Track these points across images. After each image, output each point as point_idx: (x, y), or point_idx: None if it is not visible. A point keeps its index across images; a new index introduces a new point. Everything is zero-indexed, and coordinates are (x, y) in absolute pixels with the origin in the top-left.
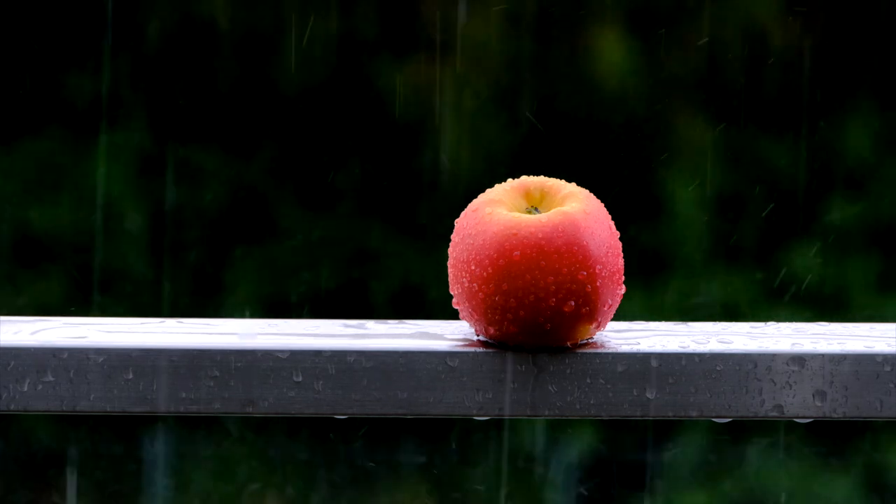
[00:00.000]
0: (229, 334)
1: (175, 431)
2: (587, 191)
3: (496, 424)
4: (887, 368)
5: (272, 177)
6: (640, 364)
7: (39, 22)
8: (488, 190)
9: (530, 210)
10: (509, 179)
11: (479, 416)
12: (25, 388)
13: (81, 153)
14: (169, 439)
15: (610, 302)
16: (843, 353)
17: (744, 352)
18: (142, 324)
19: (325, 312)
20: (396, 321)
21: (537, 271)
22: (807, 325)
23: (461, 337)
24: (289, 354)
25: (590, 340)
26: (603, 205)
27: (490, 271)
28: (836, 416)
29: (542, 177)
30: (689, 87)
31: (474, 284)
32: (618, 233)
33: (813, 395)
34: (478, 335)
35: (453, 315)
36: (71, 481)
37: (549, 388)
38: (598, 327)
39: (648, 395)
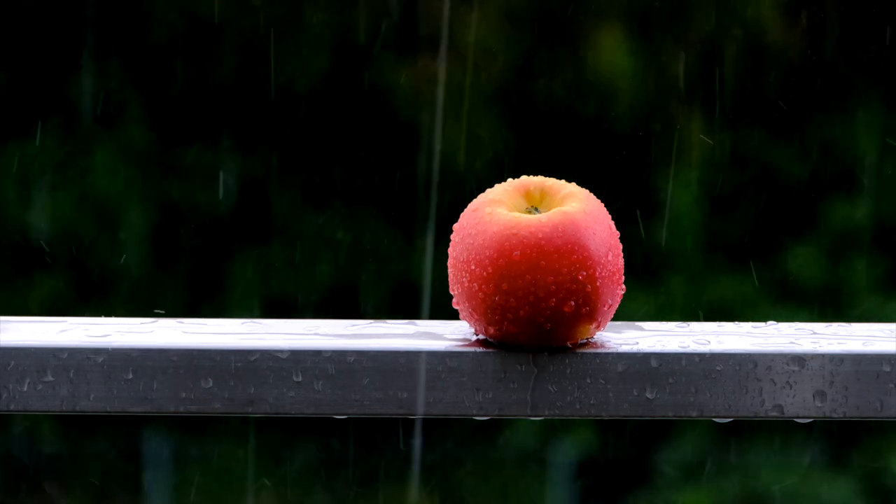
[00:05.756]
0: (229, 334)
1: (175, 431)
2: (587, 191)
3: (496, 424)
4: (887, 368)
5: (272, 176)
6: (640, 364)
7: (40, 22)
8: (488, 190)
9: (530, 210)
10: (509, 179)
11: (479, 416)
12: (25, 388)
13: (81, 153)
14: (169, 439)
15: (610, 302)
16: (843, 353)
17: (744, 352)
18: (142, 324)
19: (325, 312)
20: (396, 321)
21: (537, 271)
22: (807, 325)
23: (461, 337)
24: (289, 354)
25: (590, 340)
26: (603, 205)
27: (490, 271)
28: (836, 416)
29: (541, 177)
30: (690, 87)
31: (474, 284)
32: (618, 233)
33: (813, 395)
34: (478, 335)
35: (453, 315)
36: (70, 481)
37: (549, 388)
38: (598, 327)
39: (648, 395)
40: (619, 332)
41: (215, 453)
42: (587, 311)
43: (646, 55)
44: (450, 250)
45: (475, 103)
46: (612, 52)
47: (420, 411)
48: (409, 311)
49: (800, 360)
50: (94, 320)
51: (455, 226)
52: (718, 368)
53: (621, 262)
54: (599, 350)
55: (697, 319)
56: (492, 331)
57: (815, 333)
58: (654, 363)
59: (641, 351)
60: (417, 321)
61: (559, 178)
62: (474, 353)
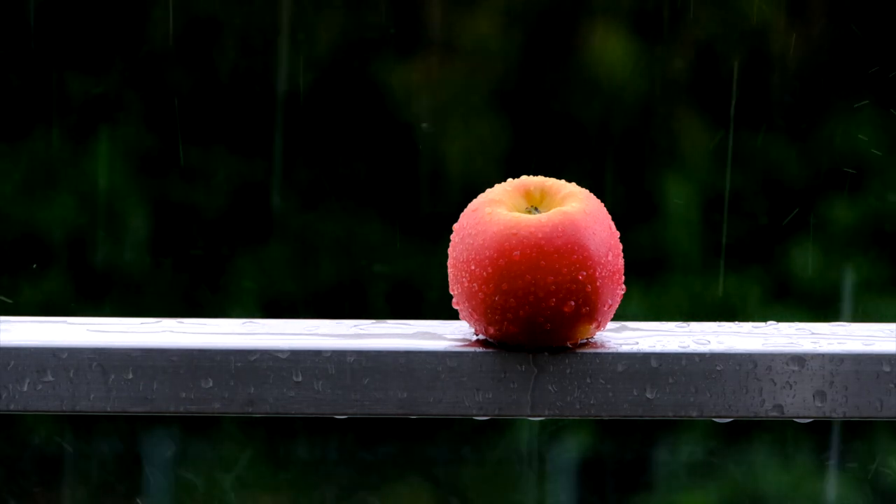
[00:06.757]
0: (229, 334)
1: (175, 431)
2: (587, 191)
3: (496, 424)
4: (887, 368)
5: (272, 176)
6: (640, 364)
7: (40, 22)
8: (488, 190)
9: (530, 210)
10: (509, 179)
11: (479, 416)
12: (25, 388)
13: (81, 152)
14: (169, 439)
15: (610, 302)
16: (843, 353)
17: (744, 352)
18: (142, 324)
19: (325, 312)
20: (396, 321)
21: (537, 271)
22: (807, 325)
23: (461, 337)
24: (289, 354)
25: (590, 340)
26: (603, 205)
27: (490, 271)
28: (836, 416)
29: (541, 177)
30: (689, 87)
31: (474, 284)
32: (618, 233)
33: (813, 395)
34: (478, 335)
35: (453, 315)
36: (70, 481)
37: (549, 388)
38: (598, 327)
39: (648, 395)
40: (619, 332)
41: (215, 453)
42: (587, 311)
43: (646, 55)
44: (450, 250)
45: (475, 103)
46: (612, 52)
47: (420, 411)
48: (409, 311)
49: (800, 360)
50: (94, 320)
51: (455, 226)
52: (718, 368)
53: (621, 262)
54: (599, 350)
55: (697, 319)
56: (492, 331)
57: (814, 333)
58: (654, 363)
59: (641, 351)
60: (417, 321)
61: (559, 178)
62: (474, 353)
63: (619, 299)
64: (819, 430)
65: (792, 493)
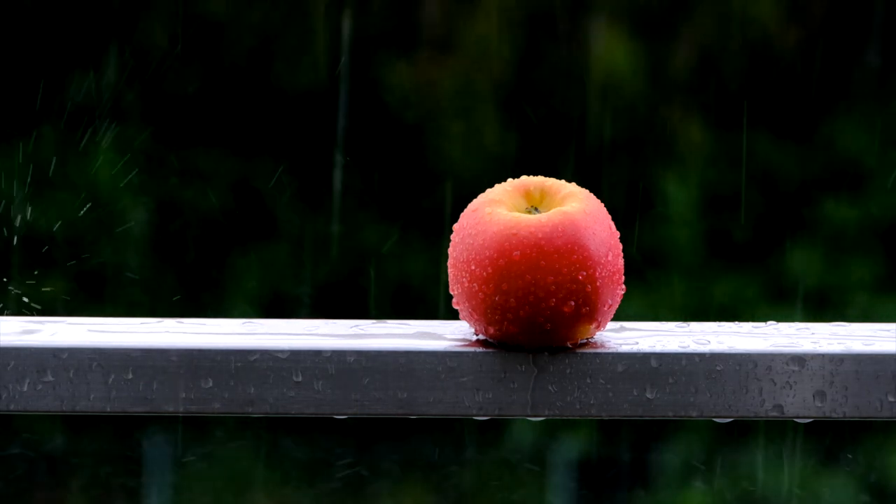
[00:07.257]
0: (229, 334)
1: (175, 431)
2: (587, 191)
3: (496, 424)
4: (887, 368)
5: (272, 176)
6: (640, 364)
7: (40, 22)
8: (488, 190)
9: (530, 210)
10: (509, 179)
11: (479, 416)
12: (25, 388)
13: (81, 153)
14: (169, 439)
15: (610, 302)
16: (843, 353)
17: (744, 352)
18: (142, 324)
19: (325, 312)
20: (396, 321)
21: (537, 271)
22: (807, 325)
23: (461, 337)
24: (289, 354)
25: (590, 340)
26: (603, 205)
27: (490, 271)
28: (836, 416)
29: (541, 177)
30: (689, 88)
31: (474, 284)
32: (618, 233)
33: (813, 395)
34: (478, 335)
35: (453, 315)
36: (70, 481)
37: (549, 388)
38: (598, 327)
39: (648, 395)
40: (619, 332)
41: (215, 453)
42: (587, 311)
43: (646, 54)
44: (450, 250)
45: (475, 103)
46: (612, 52)
47: (420, 411)
48: (409, 311)
49: (800, 360)
50: (94, 320)
51: (455, 226)
52: (718, 368)
53: (621, 262)
54: (599, 350)
55: (697, 319)
56: (492, 331)
57: (815, 333)
58: (654, 363)
59: (641, 351)
60: (417, 321)
61: (559, 178)
62: (474, 353)
63: (619, 299)
64: (819, 430)
65: (792, 493)
